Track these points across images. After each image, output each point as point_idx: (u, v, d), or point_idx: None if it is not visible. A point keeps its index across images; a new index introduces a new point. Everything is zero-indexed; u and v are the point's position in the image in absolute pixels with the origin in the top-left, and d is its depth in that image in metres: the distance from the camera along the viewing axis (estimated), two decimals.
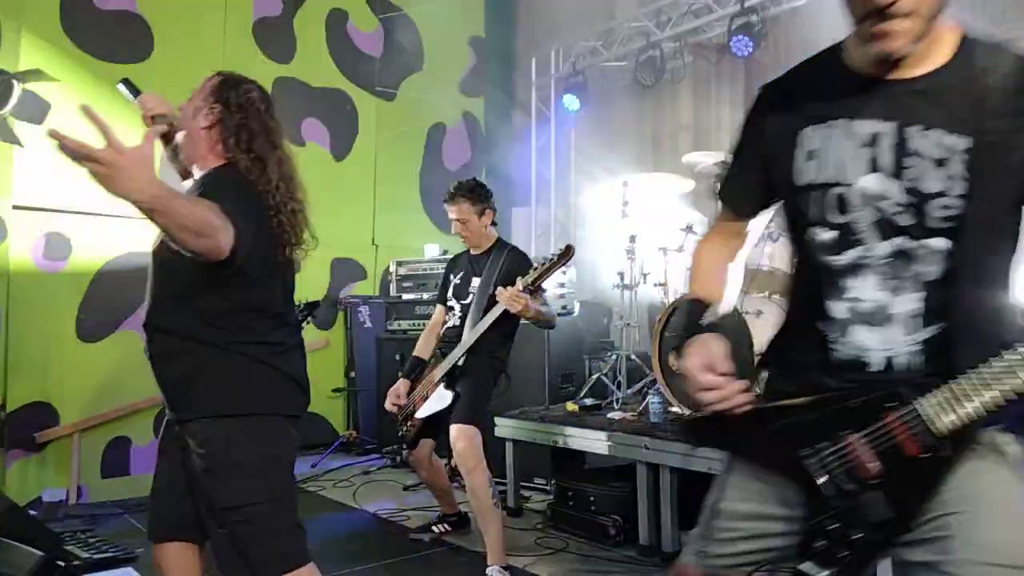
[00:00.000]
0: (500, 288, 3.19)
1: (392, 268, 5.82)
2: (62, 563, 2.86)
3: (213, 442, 1.82)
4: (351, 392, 6.11)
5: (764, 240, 4.17)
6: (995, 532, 1.16)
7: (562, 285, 5.31)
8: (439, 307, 3.70)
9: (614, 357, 4.61)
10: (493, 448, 3.93)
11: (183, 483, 1.91)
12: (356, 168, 6.44)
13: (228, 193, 1.75)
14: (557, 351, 4.72)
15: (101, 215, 4.52)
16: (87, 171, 1.34)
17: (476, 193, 3.49)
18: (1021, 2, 4.38)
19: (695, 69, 6.31)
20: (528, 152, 7.28)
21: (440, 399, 3.36)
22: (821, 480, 1.26)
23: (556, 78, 7.10)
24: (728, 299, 1.55)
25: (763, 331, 3.58)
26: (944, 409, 1.16)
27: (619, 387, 4.44)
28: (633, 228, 4.60)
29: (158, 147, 2.19)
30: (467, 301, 3.47)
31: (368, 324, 6.04)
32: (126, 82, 2.16)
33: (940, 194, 1.20)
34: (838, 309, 1.30)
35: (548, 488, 4.33)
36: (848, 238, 1.28)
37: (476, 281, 3.48)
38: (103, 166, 1.34)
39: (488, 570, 3.14)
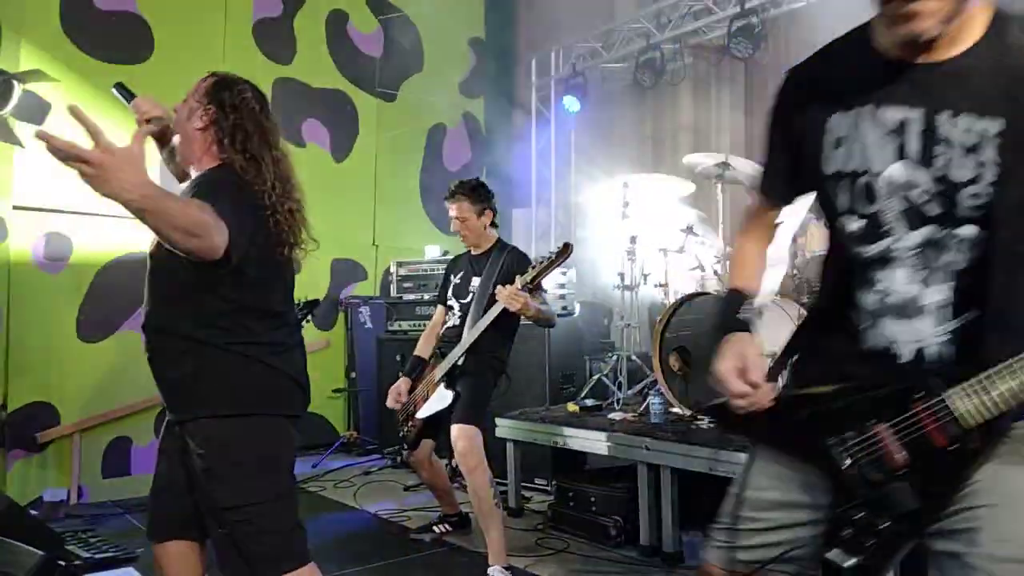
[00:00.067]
0: (499, 286, 3.19)
1: (392, 269, 5.83)
2: (63, 563, 2.85)
3: (213, 442, 1.82)
4: (352, 392, 6.11)
5: None
6: (1023, 527, 1.15)
7: (563, 286, 5.32)
8: (439, 307, 3.71)
9: (615, 358, 4.61)
10: (494, 448, 3.93)
11: (183, 483, 1.91)
12: (356, 169, 6.45)
13: (222, 193, 1.74)
14: (558, 352, 4.72)
15: (101, 215, 4.52)
16: (76, 172, 1.34)
17: (477, 193, 3.50)
18: None
19: (695, 70, 6.32)
20: (528, 153, 7.29)
21: (440, 399, 3.36)
22: (847, 469, 1.25)
23: (556, 79, 7.11)
24: (767, 291, 1.55)
25: (763, 331, 3.57)
26: (973, 400, 1.15)
27: (620, 388, 4.44)
28: (633, 229, 4.60)
29: (154, 150, 2.19)
30: (467, 300, 3.47)
31: (368, 324, 6.04)
32: (120, 86, 2.16)
33: (971, 182, 1.17)
34: (868, 300, 1.29)
35: (549, 489, 4.33)
36: (877, 228, 1.26)
37: (476, 281, 3.48)
38: (92, 166, 1.33)
39: (489, 570, 3.14)
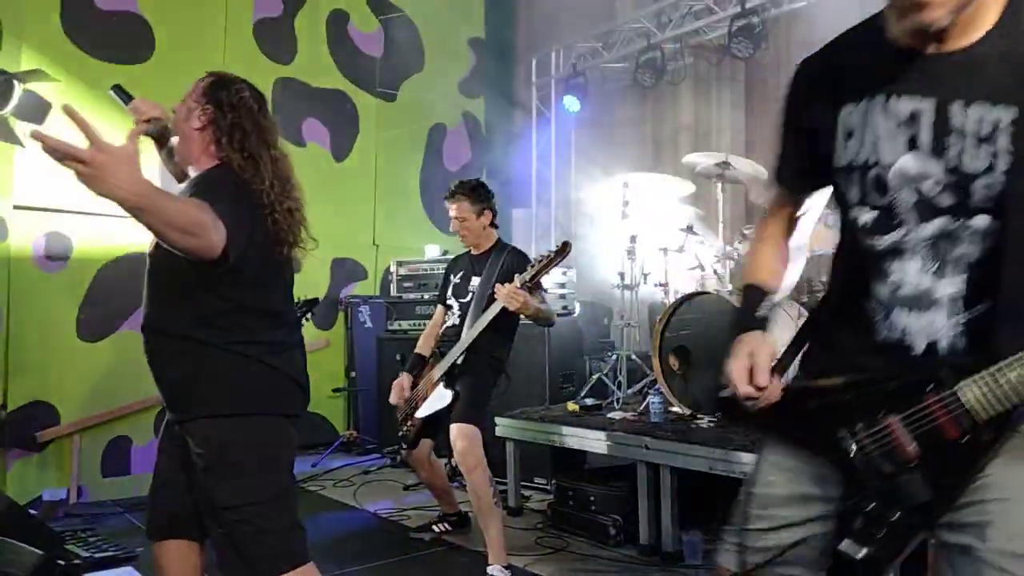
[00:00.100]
0: (498, 285, 3.19)
1: (392, 268, 5.82)
2: (62, 562, 2.86)
3: (212, 442, 1.82)
4: (351, 392, 6.11)
5: None
6: None
7: (563, 285, 5.32)
8: (439, 307, 3.71)
9: (614, 357, 4.61)
10: (493, 448, 3.93)
11: (183, 482, 1.91)
12: (356, 168, 6.45)
13: (220, 192, 1.74)
14: (557, 351, 4.73)
15: (101, 215, 4.52)
16: (72, 171, 1.34)
17: (476, 193, 3.50)
18: None
19: (695, 70, 6.31)
20: (528, 153, 7.29)
21: (440, 398, 3.36)
22: (859, 461, 1.25)
23: (556, 79, 7.11)
24: (787, 285, 1.53)
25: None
26: (986, 393, 1.14)
27: (619, 387, 4.44)
28: (634, 228, 4.60)
29: (153, 151, 2.20)
30: (466, 300, 3.47)
31: (368, 324, 6.05)
32: (118, 88, 2.16)
33: (984, 172, 1.16)
34: (880, 292, 1.28)
35: (548, 488, 4.33)
36: (889, 220, 1.25)
37: (476, 280, 3.48)
38: (87, 165, 1.33)
39: (489, 569, 3.14)
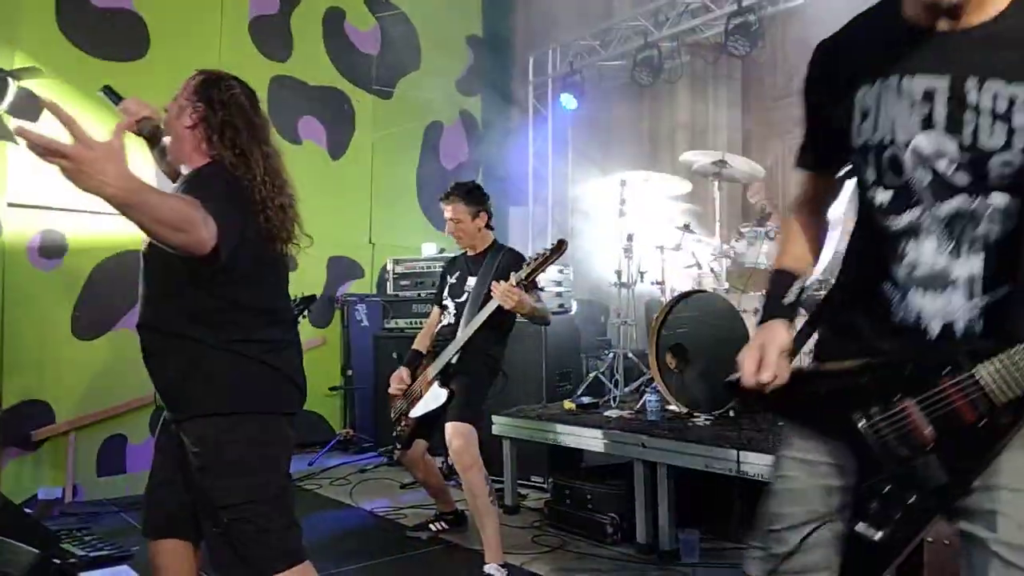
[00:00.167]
0: (494, 283, 3.19)
1: (389, 266, 5.81)
2: (58, 561, 2.85)
3: (208, 441, 1.81)
4: (348, 390, 6.10)
5: (761, 239, 4.18)
6: None
7: (559, 284, 5.32)
8: (435, 309, 3.71)
9: (611, 355, 4.61)
10: (490, 446, 3.93)
11: (179, 480, 1.91)
12: (353, 166, 6.43)
13: (211, 189, 1.74)
14: (554, 349, 4.72)
15: (96, 212, 4.50)
16: (56, 167, 1.33)
17: (471, 195, 3.50)
18: None
19: (692, 68, 6.32)
20: (525, 151, 7.28)
21: (435, 397, 3.36)
22: (874, 445, 1.24)
23: (553, 77, 7.11)
24: (818, 268, 1.52)
25: None
26: (1003, 377, 1.13)
27: (616, 385, 4.44)
28: (630, 226, 4.60)
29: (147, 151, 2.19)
30: (462, 300, 3.47)
31: (365, 322, 6.04)
32: (107, 89, 2.15)
33: (1001, 149, 1.15)
34: (896, 273, 1.28)
35: (545, 486, 4.32)
36: (905, 200, 1.25)
37: (472, 280, 3.48)
38: (71, 161, 1.32)
39: (485, 568, 3.14)
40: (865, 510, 1.25)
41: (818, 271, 1.49)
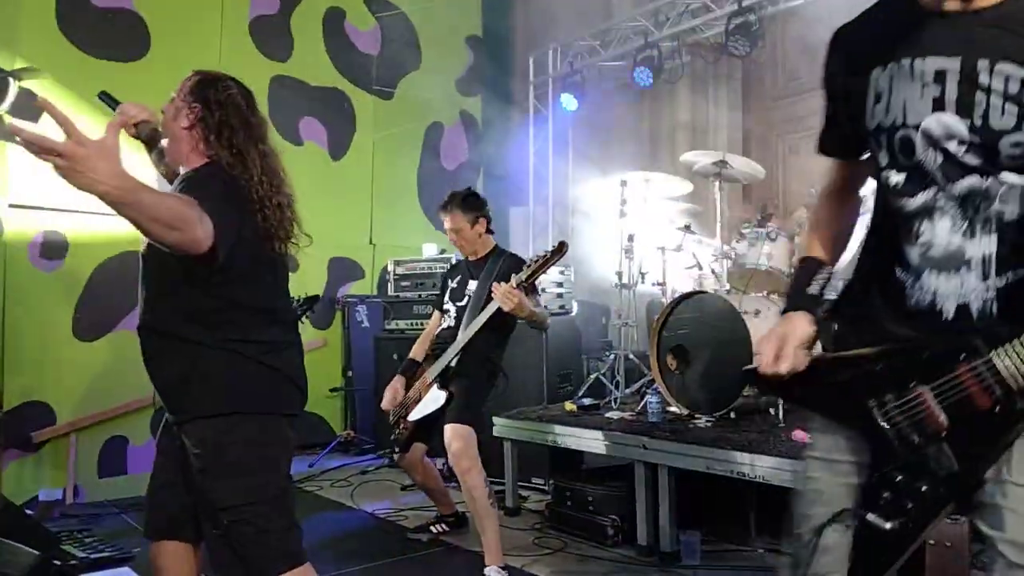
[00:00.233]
0: (495, 284, 3.19)
1: (390, 267, 5.81)
2: (58, 562, 2.85)
3: (208, 442, 1.81)
4: (349, 392, 6.10)
5: (762, 240, 4.17)
6: None
7: (560, 285, 5.31)
8: (436, 313, 3.71)
9: (612, 357, 4.61)
10: (491, 448, 3.93)
11: (181, 482, 1.91)
12: (353, 167, 6.43)
13: (207, 189, 1.74)
14: (555, 351, 4.72)
15: (98, 213, 4.50)
16: (50, 164, 1.33)
17: (467, 202, 3.51)
18: None
19: (692, 69, 6.31)
20: (526, 151, 7.27)
21: (434, 400, 3.35)
22: (888, 432, 1.24)
23: (554, 77, 7.10)
24: (846, 257, 1.52)
25: (762, 331, 3.58)
26: (1019, 362, 1.13)
27: (617, 387, 4.43)
28: (631, 227, 4.60)
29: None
30: (463, 304, 3.47)
31: (366, 323, 6.04)
32: (104, 95, 2.15)
33: (1012, 130, 1.16)
34: (911, 255, 1.28)
35: (546, 488, 4.32)
36: (919, 181, 1.26)
37: (473, 284, 3.48)
38: (64, 158, 1.32)
39: (486, 570, 3.14)
40: (876, 500, 1.25)
41: (846, 259, 1.49)
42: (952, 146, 1.21)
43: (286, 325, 2.00)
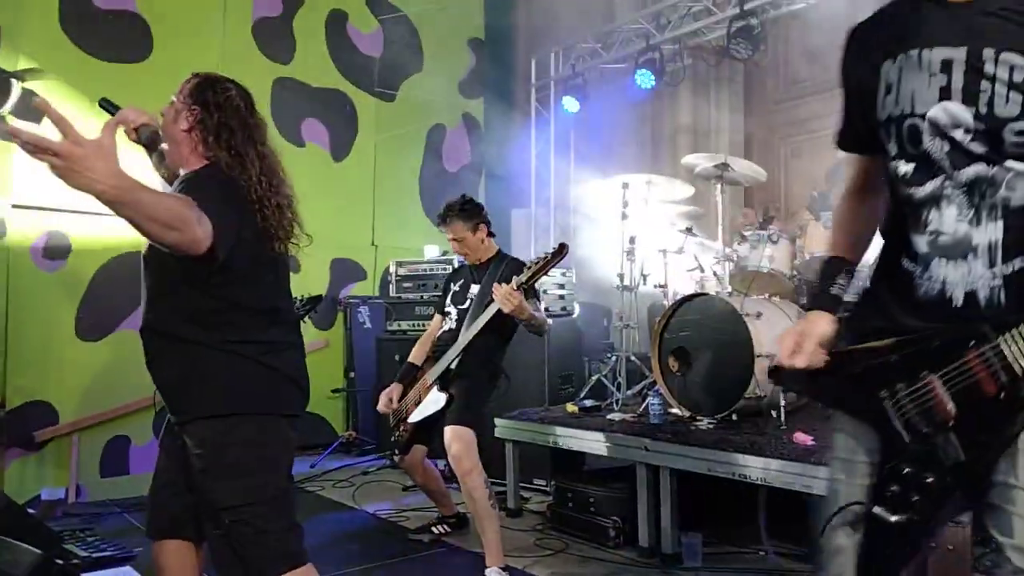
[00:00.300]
0: (495, 285, 3.19)
1: (392, 269, 5.82)
2: (60, 561, 2.85)
3: (209, 443, 1.82)
4: (350, 392, 6.10)
5: (764, 242, 4.18)
6: None
7: (562, 287, 5.32)
8: (437, 316, 3.71)
9: (614, 358, 4.61)
10: (493, 449, 3.93)
11: (183, 482, 1.91)
12: (356, 169, 6.44)
13: (206, 190, 1.74)
14: (557, 352, 4.72)
15: (100, 214, 4.49)
16: (47, 165, 1.34)
17: (465, 211, 3.52)
18: None
19: (694, 71, 6.32)
20: (527, 153, 7.28)
21: (434, 402, 3.35)
22: (898, 422, 1.25)
23: (555, 79, 7.11)
24: (870, 254, 1.52)
25: (764, 333, 3.58)
26: None
27: (619, 388, 4.44)
28: (633, 229, 4.60)
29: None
30: (465, 307, 3.48)
31: (368, 324, 6.04)
32: (105, 101, 2.16)
33: (1016, 118, 1.18)
34: (920, 244, 1.30)
35: (548, 489, 4.32)
36: (927, 170, 1.27)
37: (475, 288, 3.49)
38: (61, 158, 1.32)
39: (487, 571, 3.14)
40: (884, 493, 1.26)
41: (870, 257, 1.50)
42: (958, 134, 1.23)
43: (287, 325, 2.00)
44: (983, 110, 1.20)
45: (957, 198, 1.25)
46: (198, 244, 1.60)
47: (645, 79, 6.01)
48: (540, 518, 3.99)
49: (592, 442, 3.75)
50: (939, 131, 1.24)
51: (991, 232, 1.22)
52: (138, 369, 1.93)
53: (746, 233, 4.33)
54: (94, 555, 3.28)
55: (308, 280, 5.22)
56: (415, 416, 3.43)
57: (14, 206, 4.50)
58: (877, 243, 1.52)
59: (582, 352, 5.13)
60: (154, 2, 5.17)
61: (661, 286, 4.59)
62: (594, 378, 4.64)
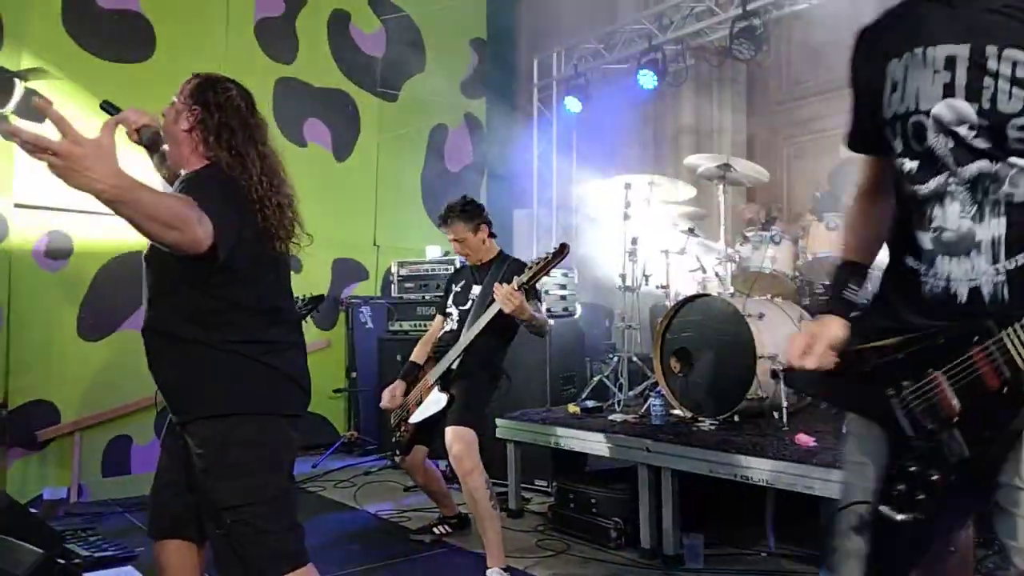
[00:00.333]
0: (496, 284, 3.19)
1: (394, 269, 5.82)
2: (62, 561, 2.85)
3: (210, 443, 1.82)
4: (352, 393, 6.10)
5: (766, 243, 4.17)
6: None
7: (563, 287, 5.31)
8: (438, 317, 3.71)
9: (615, 359, 4.60)
10: (494, 449, 3.93)
11: (184, 481, 1.91)
12: (358, 169, 6.45)
13: (206, 190, 1.74)
14: (558, 353, 4.72)
15: (102, 214, 4.47)
16: (46, 164, 1.34)
17: (466, 212, 3.52)
18: None
19: (697, 72, 6.31)
20: (530, 153, 7.28)
21: (436, 402, 3.35)
22: (904, 419, 1.26)
23: (558, 80, 7.12)
24: (882, 257, 1.53)
25: (766, 334, 3.58)
26: None
27: (620, 389, 4.43)
28: (635, 230, 4.60)
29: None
30: (466, 308, 3.48)
31: (369, 324, 6.04)
32: (106, 104, 2.17)
33: (1019, 113, 1.18)
34: (925, 241, 1.31)
35: (549, 490, 4.32)
36: (931, 167, 1.28)
37: (476, 289, 3.49)
38: (60, 158, 1.32)
39: (488, 572, 3.13)
40: (890, 492, 1.26)
41: (882, 260, 1.51)
42: (962, 131, 1.23)
43: (289, 325, 2.00)
44: (986, 106, 1.20)
45: (961, 194, 1.25)
46: (198, 244, 1.60)
47: (647, 79, 6.01)
48: (541, 519, 3.99)
49: (594, 443, 3.75)
50: (943, 127, 1.25)
51: (994, 228, 1.23)
52: (140, 369, 1.93)
53: (748, 234, 4.32)
54: (96, 555, 3.29)
55: (310, 280, 5.22)
56: (416, 416, 3.43)
57: (16, 205, 4.51)
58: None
59: (584, 353, 5.13)
60: (157, 2, 5.17)
61: (663, 287, 4.59)
62: (596, 379, 4.64)
